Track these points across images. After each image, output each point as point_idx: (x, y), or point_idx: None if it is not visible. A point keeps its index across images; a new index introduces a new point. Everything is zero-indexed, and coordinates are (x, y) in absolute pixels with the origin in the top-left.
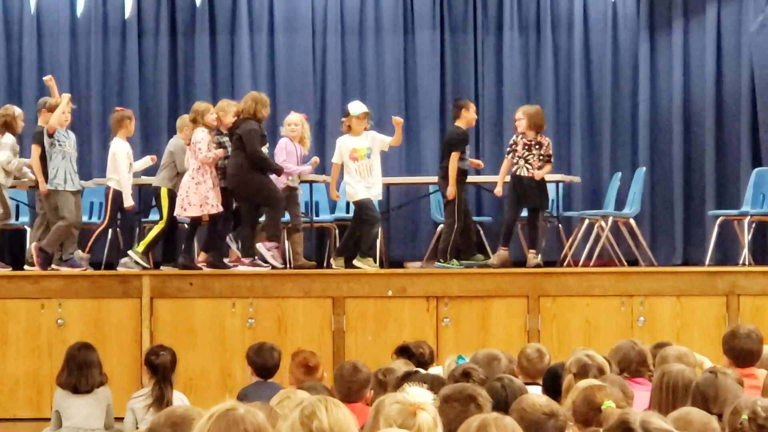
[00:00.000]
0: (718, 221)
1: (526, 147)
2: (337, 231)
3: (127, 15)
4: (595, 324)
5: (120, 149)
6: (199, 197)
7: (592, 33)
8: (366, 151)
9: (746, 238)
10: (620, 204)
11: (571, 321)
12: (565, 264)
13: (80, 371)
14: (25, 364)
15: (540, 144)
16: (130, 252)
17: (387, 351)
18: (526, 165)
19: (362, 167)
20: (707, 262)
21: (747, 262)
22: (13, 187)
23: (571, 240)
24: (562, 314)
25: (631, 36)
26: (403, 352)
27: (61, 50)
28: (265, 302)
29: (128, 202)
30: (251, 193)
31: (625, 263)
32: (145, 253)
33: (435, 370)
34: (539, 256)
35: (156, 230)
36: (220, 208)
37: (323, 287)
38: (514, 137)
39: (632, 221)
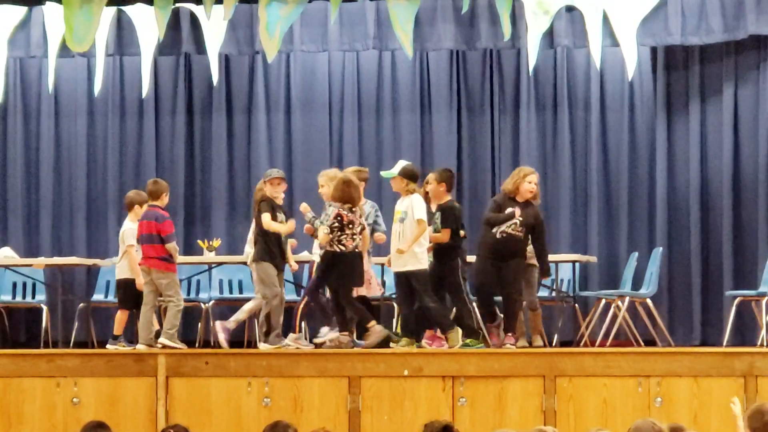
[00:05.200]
0: (736, 302)
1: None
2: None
3: (144, 94)
4: (612, 404)
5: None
6: None
7: (609, 113)
8: (401, 215)
9: (764, 318)
10: (637, 284)
11: (587, 401)
12: (581, 344)
13: None
14: None
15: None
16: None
17: (402, 431)
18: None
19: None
20: (725, 342)
21: (765, 343)
22: (29, 265)
23: (587, 320)
24: (579, 394)
25: (648, 116)
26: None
27: (78, 129)
28: (281, 381)
29: None
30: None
31: (642, 343)
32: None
33: None
34: (346, 337)
35: None
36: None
37: (339, 367)
38: None
39: (649, 301)
